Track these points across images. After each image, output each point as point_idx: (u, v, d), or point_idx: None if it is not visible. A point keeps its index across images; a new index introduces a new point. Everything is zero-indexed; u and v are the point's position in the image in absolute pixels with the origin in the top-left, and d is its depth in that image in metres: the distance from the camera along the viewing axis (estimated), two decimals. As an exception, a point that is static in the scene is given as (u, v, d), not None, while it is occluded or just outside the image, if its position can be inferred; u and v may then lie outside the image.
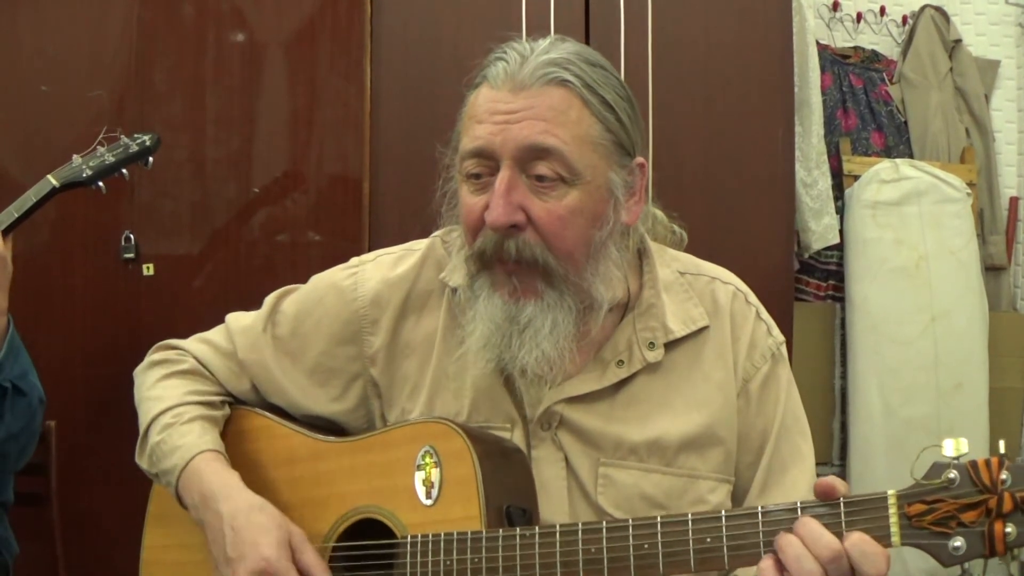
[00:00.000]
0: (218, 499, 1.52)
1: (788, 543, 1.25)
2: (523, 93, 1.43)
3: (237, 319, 1.74)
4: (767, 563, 1.26)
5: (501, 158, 1.42)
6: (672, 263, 1.62)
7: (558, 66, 1.43)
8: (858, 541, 1.22)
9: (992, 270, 4.08)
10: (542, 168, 1.42)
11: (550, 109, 1.42)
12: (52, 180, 2.32)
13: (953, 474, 1.20)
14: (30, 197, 2.29)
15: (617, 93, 1.48)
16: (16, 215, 2.28)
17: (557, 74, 1.43)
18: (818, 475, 1.57)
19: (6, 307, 2.19)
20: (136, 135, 2.44)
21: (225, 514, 1.50)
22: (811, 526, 1.24)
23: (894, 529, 1.22)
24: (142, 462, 1.66)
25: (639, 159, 1.51)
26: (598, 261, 1.48)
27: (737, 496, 1.57)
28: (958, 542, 1.19)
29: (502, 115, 1.43)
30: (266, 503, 1.52)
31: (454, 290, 1.60)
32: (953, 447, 1.21)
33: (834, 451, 3.93)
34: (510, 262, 1.44)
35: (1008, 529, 1.17)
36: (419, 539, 1.45)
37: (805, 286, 3.94)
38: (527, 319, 1.46)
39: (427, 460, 1.48)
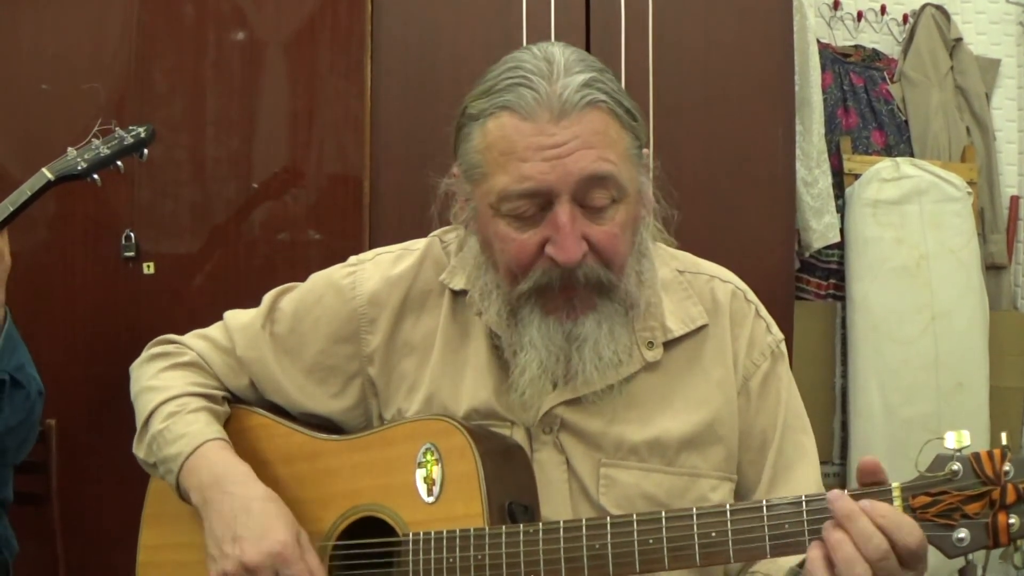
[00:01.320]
0: (232, 481, 1.52)
1: (839, 543, 1.22)
2: (564, 122, 1.38)
3: (235, 316, 1.74)
4: (815, 553, 1.24)
5: (559, 194, 1.39)
6: (671, 262, 1.62)
7: (589, 87, 1.39)
8: (887, 511, 1.22)
9: (993, 269, 4.08)
10: (599, 197, 1.40)
11: (595, 134, 1.39)
12: (47, 173, 2.32)
13: (956, 466, 1.21)
14: (25, 191, 2.29)
15: (626, 93, 1.46)
16: (11, 209, 2.28)
17: (592, 96, 1.39)
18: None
19: (3, 300, 2.19)
20: (131, 127, 2.44)
21: (239, 495, 1.50)
22: (862, 525, 1.22)
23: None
24: (139, 451, 1.65)
25: (645, 150, 1.51)
26: (636, 260, 1.49)
27: (741, 494, 1.57)
28: (962, 533, 1.20)
29: (549, 149, 1.38)
30: (278, 497, 1.52)
31: (454, 292, 1.59)
32: (955, 439, 1.22)
33: (835, 450, 3.93)
34: (579, 289, 1.43)
35: (1012, 520, 1.18)
36: (421, 536, 1.45)
37: (806, 285, 3.94)
38: (586, 334, 1.45)
39: (428, 457, 1.47)
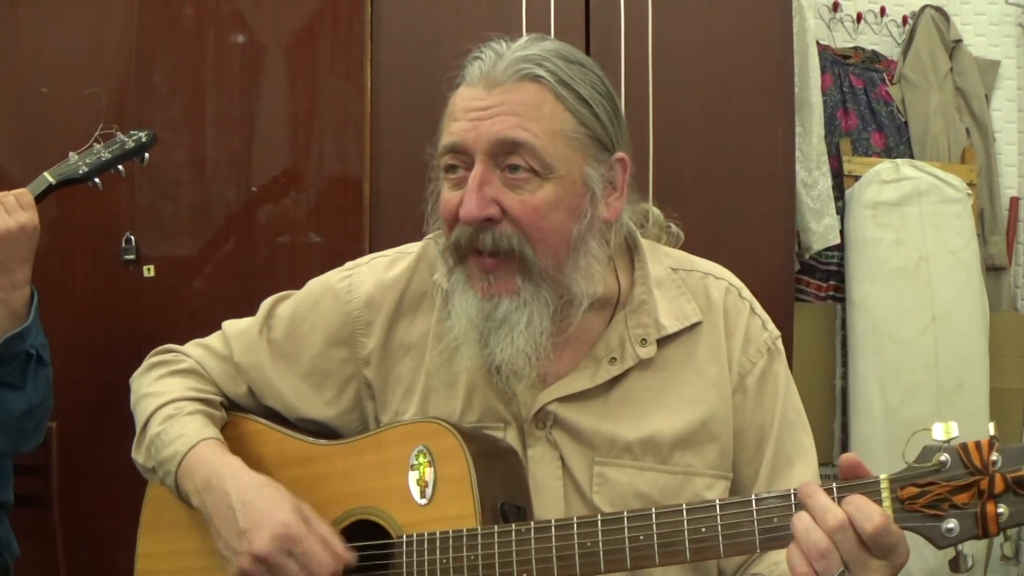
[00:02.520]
0: (224, 478, 1.53)
1: (798, 518, 1.25)
2: (496, 90, 1.45)
3: (233, 324, 1.75)
4: (793, 546, 1.25)
5: (474, 153, 1.44)
6: (665, 259, 1.62)
7: (531, 62, 1.46)
8: (854, 499, 1.23)
9: (992, 270, 4.08)
10: (515, 161, 1.44)
11: (521, 104, 1.44)
12: (48, 177, 2.32)
13: (944, 457, 1.21)
14: None
15: (595, 89, 1.49)
16: None
17: (529, 70, 1.45)
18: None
19: (29, 278, 2.20)
20: (132, 132, 2.44)
21: (233, 491, 1.50)
22: (820, 498, 1.24)
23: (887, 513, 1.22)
24: (139, 456, 1.66)
25: (619, 154, 1.51)
26: (578, 256, 1.49)
27: (738, 492, 1.56)
28: (951, 524, 1.20)
29: (475, 111, 1.45)
30: (272, 480, 1.53)
31: (447, 291, 1.60)
32: (943, 431, 1.22)
33: (835, 451, 3.93)
34: (486, 254, 1.45)
35: (1000, 510, 1.18)
36: (414, 538, 1.45)
37: (806, 286, 3.93)
38: (502, 316, 1.47)
39: (420, 460, 1.48)
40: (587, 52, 3.02)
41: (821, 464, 1.62)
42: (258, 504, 1.48)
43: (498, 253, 1.45)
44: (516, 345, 1.46)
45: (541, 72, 1.45)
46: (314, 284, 1.72)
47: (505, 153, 1.44)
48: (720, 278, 1.62)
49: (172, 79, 3.05)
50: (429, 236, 1.66)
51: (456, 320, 1.50)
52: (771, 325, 1.62)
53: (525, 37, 1.51)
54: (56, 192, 2.35)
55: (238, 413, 1.70)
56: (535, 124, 1.44)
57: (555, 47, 1.49)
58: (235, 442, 1.66)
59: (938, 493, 1.21)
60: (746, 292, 1.62)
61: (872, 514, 1.21)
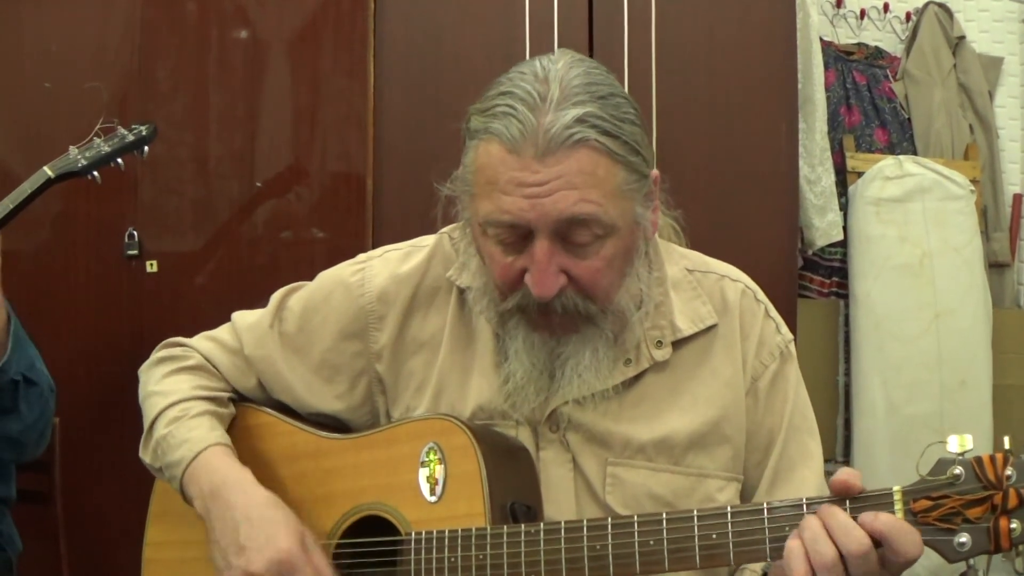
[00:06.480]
0: (232, 490, 1.51)
1: (808, 524, 1.24)
2: (548, 160, 1.35)
3: (243, 316, 1.74)
4: (794, 543, 1.25)
5: (537, 230, 1.38)
6: (681, 260, 1.61)
7: (580, 123, 1.35)
8: (892, 521, 1.21)
9: (996, 267, 4.08)
10: (581, 235, 1.39)
11: (579, 174, 1.36)
12: (48, 171, 2.32)
13: (958, 470, 1.20)
14: (25, 188, 2.29)
15: (631, 120, 1.42)
16: (11, 206, 2.28)
17: (581, 134, 1.35)
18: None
19: (2, 300, 2.17)
20: (133, 125, 2.44)
21: (239, 504, 1.49)
22: (840, 517, 1.23)
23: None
24: (145, 456, 1.65)
25: (654, 173, 1.47)
26: (629, 281, 1.48)
27: (745, 494, 1.56)
28: (963, 538, 1.19)
29: (530, 187, 1.36)
30: (280, 501, 1.52)
31: (461, 289, 1.59)
32: (958, 443, 1.21)
33: (837, 448, 3.93)
34: (555, 315, 1.43)
35: (1013, 525, 1.17)
36: (423, 536, 1.45)
37: (809, 283, 3.94)
38: (568, 354, 1.47)
39: (431, 457, 1.48)
40: (590, 49, 3.03)
41: (823, 460, 1.61)
42: (262, 524, 1.47)
43: (566, 314, 1.43)
44: (583, 377, 1.47)
45: (591, 134, 1.35)
46: (326, 276, 1.70)
47: (570, 228, 1.38)
48: (736, 280, 1.61)
49: (175, 75, 3.04)
50: (443, 230, 1.65)
51: (521, 360, 1.48)
52: (784, 328, 1.61)
53: (552, 75, 1.39)
54: (59, 187, 2.35)
55: (249, 404, 1.70)
56: (594, 191, 1.36)
57: (585, 82, 1.39)
58: (245, 433, 1.65)
59: (951, 507, 1.20)
60: (761, 295, 1.61)
61: (914, 539, 1.20)
